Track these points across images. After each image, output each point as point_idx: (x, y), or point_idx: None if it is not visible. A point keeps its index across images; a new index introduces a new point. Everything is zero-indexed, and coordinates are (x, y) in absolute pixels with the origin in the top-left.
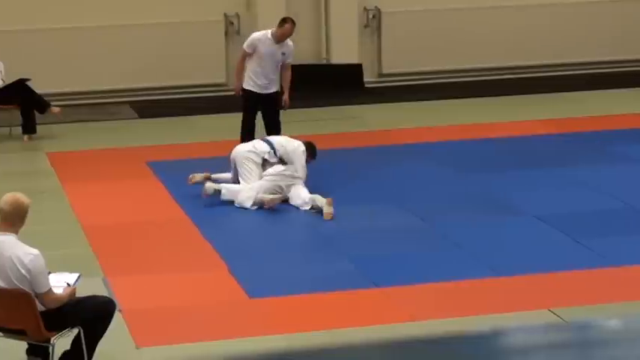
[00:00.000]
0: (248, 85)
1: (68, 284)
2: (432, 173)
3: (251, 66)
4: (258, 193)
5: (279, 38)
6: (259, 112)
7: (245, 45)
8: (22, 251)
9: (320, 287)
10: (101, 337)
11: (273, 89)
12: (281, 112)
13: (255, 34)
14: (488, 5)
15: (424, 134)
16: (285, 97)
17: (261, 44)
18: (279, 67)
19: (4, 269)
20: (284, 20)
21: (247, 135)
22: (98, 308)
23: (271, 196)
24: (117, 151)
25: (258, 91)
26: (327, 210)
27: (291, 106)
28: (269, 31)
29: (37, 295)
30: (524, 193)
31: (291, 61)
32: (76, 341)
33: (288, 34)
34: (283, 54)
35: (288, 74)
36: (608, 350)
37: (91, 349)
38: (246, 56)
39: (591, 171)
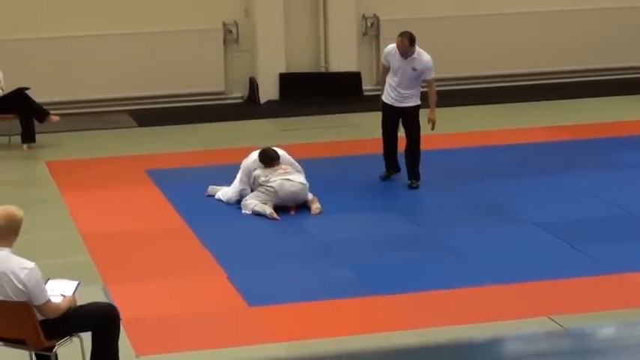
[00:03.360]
0: (384, 97)
1: (63, 296)
2: (432, 181)
3: (388, 78)
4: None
5: (400, 53)
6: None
7: (382, 58)
8: (17, 266)
9: (320, 295)
10: (115, 343)
11: (410, 103)
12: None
13: (388, 47)
14: (488, 13)
15: (423, 142)
16: (430, 115)
17: (392, 57)
18: (417, 82)
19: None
20: (400, 34)
21: (387, 154)
22: (99, 314)
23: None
24: (116, 160)
25: (391, 103)
26: (315, 205)
27: (289, 115)
28: None
29: (36, 307)
30: (524, 200)
31: (431, 78)
32: (94, 352)
33: (401, 48)
34: (414, 69)
35: (431, 91)
36: (608, 358)
37: (109, 357)
38: (386, 69)
39: (591, 178)
